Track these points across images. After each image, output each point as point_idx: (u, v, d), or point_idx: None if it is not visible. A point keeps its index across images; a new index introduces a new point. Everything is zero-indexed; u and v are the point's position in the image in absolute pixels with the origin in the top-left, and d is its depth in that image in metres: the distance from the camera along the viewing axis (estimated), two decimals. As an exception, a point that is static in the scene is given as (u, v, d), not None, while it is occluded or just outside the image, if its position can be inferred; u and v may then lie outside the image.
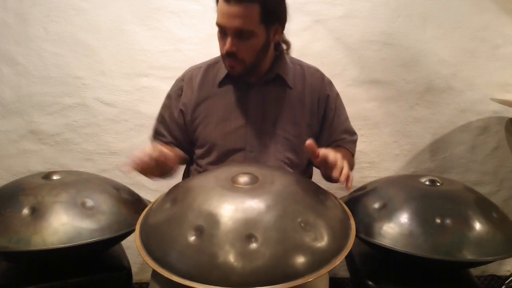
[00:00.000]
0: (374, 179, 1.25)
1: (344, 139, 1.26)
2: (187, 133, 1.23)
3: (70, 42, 1.69)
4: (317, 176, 1.26)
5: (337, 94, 1.28)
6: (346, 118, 1.30)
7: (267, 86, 1.19)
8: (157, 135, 1.27)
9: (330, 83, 1.27)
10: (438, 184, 1.08)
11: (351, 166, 1.24)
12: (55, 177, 1.06)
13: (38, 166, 1.74)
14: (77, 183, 1.05)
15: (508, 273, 1.95)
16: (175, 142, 1.24)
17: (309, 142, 0.93)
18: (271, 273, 0.72)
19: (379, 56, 1.75)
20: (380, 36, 1.74)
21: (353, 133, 1.30)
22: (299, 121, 1.19)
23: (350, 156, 1.25)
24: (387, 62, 1.76)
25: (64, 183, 1.04)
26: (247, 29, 1.04)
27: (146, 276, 1.83)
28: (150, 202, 1.10)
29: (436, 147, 1.84)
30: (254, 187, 0.85)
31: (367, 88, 1.78)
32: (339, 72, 1.75)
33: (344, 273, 1.72)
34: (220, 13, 1.05)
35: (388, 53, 1.75)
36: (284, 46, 1.27)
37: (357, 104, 1.79)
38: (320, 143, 1.20)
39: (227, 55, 1.09)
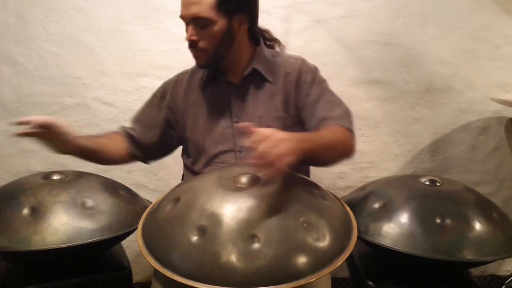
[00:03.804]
0: (374, 179, 1.25)
1: (330, 118, 1.10)
2: (163, 136, 1.24)
3: (70, 42, 1.69)
4: (317, 176, 1.27)
5: (316, 79, 1.17)
6: (330, 101, 1.15)
7: (247, 83, 1.17)
8: (126, 127, 1.26)
9: (308, 68, 1.19)
10: (438, 184, 1.08)
11: (339, 143, 1.03)
12: (55, 177, 1.06)
13: (38, 166, 1.74)
14: (77, 183, 1.04)
15: (508, 273, 1.95)
16: (141, 139, 1.23)
17: (241, 125, 0.85)
18: (274, 273, 0.72)
19: (379, 56, 1.76)
20: (380, 36, 1.74)
21: (340, 109, 1.14)
22: (281, 115, 1.16)
23: (339, 132, 1.06)
24: (387, 62, 1.76)
25: (64, 183, 1.03)
26: (203, 15, 1.04)
27: (146, 276, 1.83)
28: (150, 202, 1.10)
29: (436, 147, 1.84)
30: (257, 187, 0.85)
31: (367, 88, 1.78)
32: (339, 72, 1.75)
33: (344, 273, 1.72)
34: (181, 5, 1.08)
35: (388, 53, 1.76)
36: (272, 42, 1.27)
37: (357, 104, 1.79)
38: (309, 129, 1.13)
39: (189, 46, 1.10)
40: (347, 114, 1.13)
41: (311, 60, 1.32)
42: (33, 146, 1.72)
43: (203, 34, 1.07)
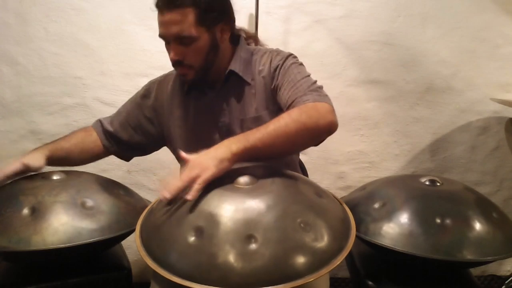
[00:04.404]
0: (374, 179, 1.25)
1: (294, 100, 1.02)
2: (141, 134, 1.24)
3: (70, 42, 1.70)
4: (317, 176, 1.27)
5: (284, 65, 1.10)
6: (293, 81, 1.06)
7: (228, 87, 1.15)
8: (103, 119, 1.26)
9: (278, 58, 1.12)
10: (438, 184, 1.07)
11: (297, 123, 0.92)
12: (55, 177, 1.06)
13: (38, 166, 1.74)
14: (77, 183, 1.04)
15: (508, 273, 1.95)
16: (118, 135, 1.23)
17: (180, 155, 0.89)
18: (271, 273, 0.72)
19: (379, 56, 1.76)
20: (380, 36, 1.74)
21: (303, 85, 1.05)
22: (261, 113, 1.13)
23: (301, 111, 0.95)
24: (387, 62, 1.76)
25: (64, 183, 1.03)
26: (185, 34, 1.02)
27: (146, 276, 1.83)
28: (150, 202, 1.10)
29: (436, 147, 1.84)
30: (254, 187, 0.85)
31: (367, 88, 1.78)
32: (339, 72, 1.75)
33: (344, 273, 1.73)
34: (159, 24, 1.04)
35: (388, 53, 1.76)
36: (250, 40, 1.24)
37: (357, 104, 1.79)
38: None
39: (174, 64, 1.08)
40: (313, 88, 1.03)
41: (311, 60, 1.32)
42: (33, 146, 1.72)
43: (187, 51, 1.05)
